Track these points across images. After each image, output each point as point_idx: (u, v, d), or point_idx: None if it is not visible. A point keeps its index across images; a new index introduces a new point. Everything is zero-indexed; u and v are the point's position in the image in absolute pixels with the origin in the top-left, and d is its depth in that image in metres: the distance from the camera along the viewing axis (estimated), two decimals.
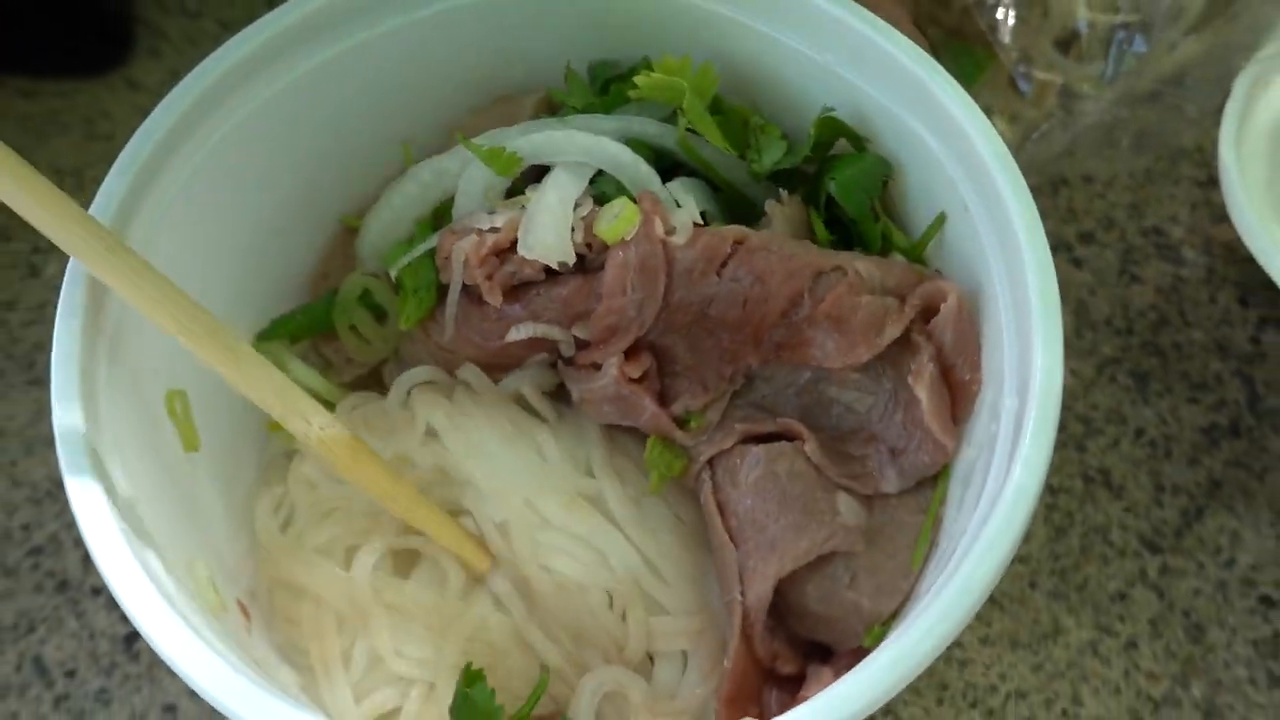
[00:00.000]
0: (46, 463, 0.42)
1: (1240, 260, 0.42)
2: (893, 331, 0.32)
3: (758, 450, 0.33)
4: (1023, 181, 0.30)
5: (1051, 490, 0.41)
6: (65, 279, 0.30)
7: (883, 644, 0.26)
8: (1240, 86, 0.40)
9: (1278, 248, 0.38)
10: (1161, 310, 0.44)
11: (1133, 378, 0.43)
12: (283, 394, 0.30)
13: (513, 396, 0.36)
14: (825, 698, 0.25)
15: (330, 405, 0.35)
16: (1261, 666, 0.39)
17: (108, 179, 0.30)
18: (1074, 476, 0.41)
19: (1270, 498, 0.41)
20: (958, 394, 0.32)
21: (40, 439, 0.42)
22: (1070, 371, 0.43)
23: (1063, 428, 0.42)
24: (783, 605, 0.32)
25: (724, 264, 0.32)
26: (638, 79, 0.33)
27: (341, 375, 0.36)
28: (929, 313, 0.32)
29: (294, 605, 0.33)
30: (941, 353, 0.32)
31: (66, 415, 0.29)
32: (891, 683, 0.26)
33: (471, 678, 0.31)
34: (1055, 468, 0.42)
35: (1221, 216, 0.39)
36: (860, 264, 0.33)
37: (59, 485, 0.41)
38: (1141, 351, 0.43)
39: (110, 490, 0.29)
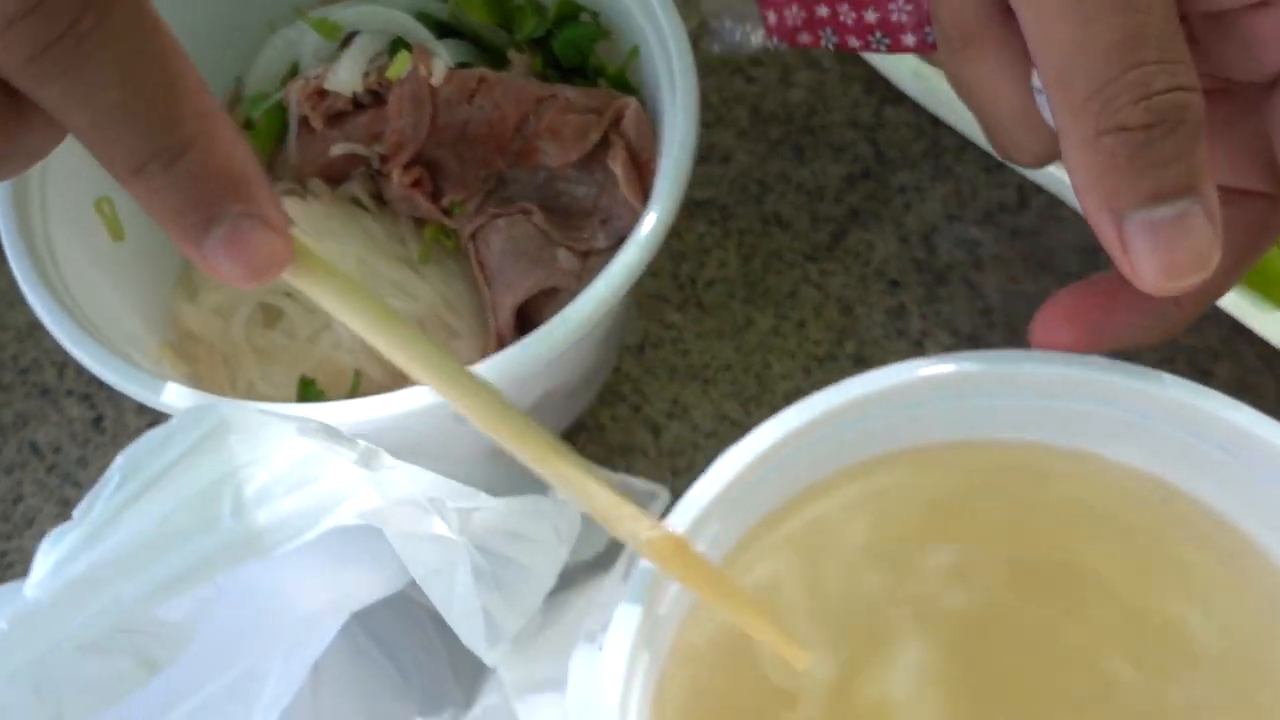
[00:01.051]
0: (24, 312, 0.50)
1: (862, 63, 0.51)
2: (594, 136, 0.41)
3: (501, 222, 0.41)
4: (680, 25, 0.41)
5: (740, 231, 0.51)
6: None
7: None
8: None
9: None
10: (811, 104, 0.53)
11: (793, 150, 0.52)
12: (612, 506, 0.29)
13: (347, 197, 0.44)
14: (520, 344, 0.36)
15: None
16: (892, 326, 0.49)
17: None
18: (754, 220, 0.51)
19: (892, 216, 0.51)
20: (643, 172, 0.42)
21: (19, 296, 0.50)
22: (749, 152, 0.52)
23: (745, 189, 0.52)
24: (529, 324, 0.41)
25: (472, 95, 0.41)
26: None
27: None
28: (619, 120, 0.41)
29: (195, 348, 0.42)
30: (629, 144, 0.41)
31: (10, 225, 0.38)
32: (568, 332, 0.36)
33: (305, 385, 0.40)
34: (741, 216, 0.51)
35: None
36: (570, 92, 0.42)
37: (35, 327, 0.50)
38: (799, 133, 0.53)
39: (49, 275, 0.37)
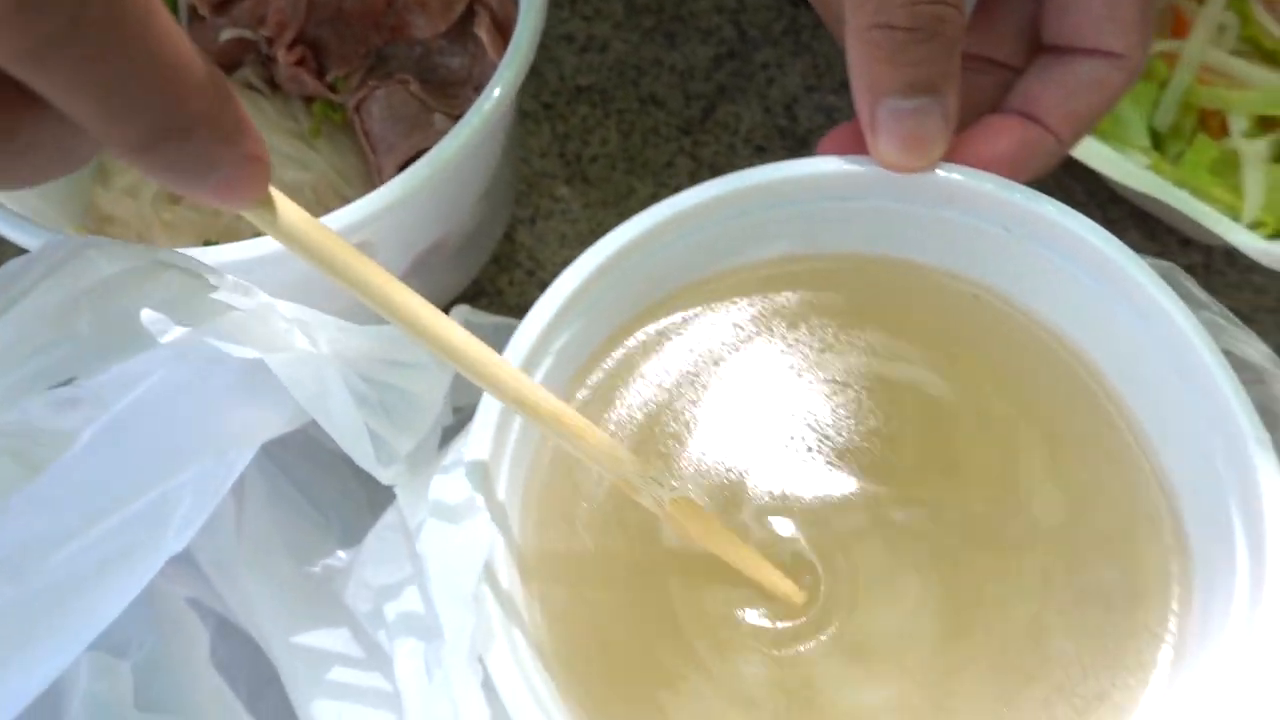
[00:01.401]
0: None
1: None
2: (459, 7, 0.41)
3: (381, 92, 0.42)
4: None
5: (620, 111, 0.51)
6: None
7: None
8: None
9: None
10: None
11: (664, 36, 0.53)
12: (632, 470, 0.29)
13: (242, 82, 0.44)
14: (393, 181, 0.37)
15: None
16: None
17: None
18: (633, 101, 0.51)
19: (756, 90, 0.52)
20: (505, 36, 0.41)
21: None
22: (625, 40, 0.53)
23: (623, 73, 0.53)
24: None
25: None
26: None
27: None
28: None
29: (108, 228, 0.42)
30: (493, 13, 0.41)
31: None
32: (433, 169, 0.37)
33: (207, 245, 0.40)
34: (619, 99, 0.52)
35: None
36: None
37: None
38: (670, 20, 0.53)
39: None
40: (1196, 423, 0.30)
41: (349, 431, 0.34)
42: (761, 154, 0.51)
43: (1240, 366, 0.31)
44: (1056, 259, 0.31)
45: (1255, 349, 0.32)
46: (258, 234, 0.42)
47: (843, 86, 0.52)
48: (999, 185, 0.31)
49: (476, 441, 0.31)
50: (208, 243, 0.41)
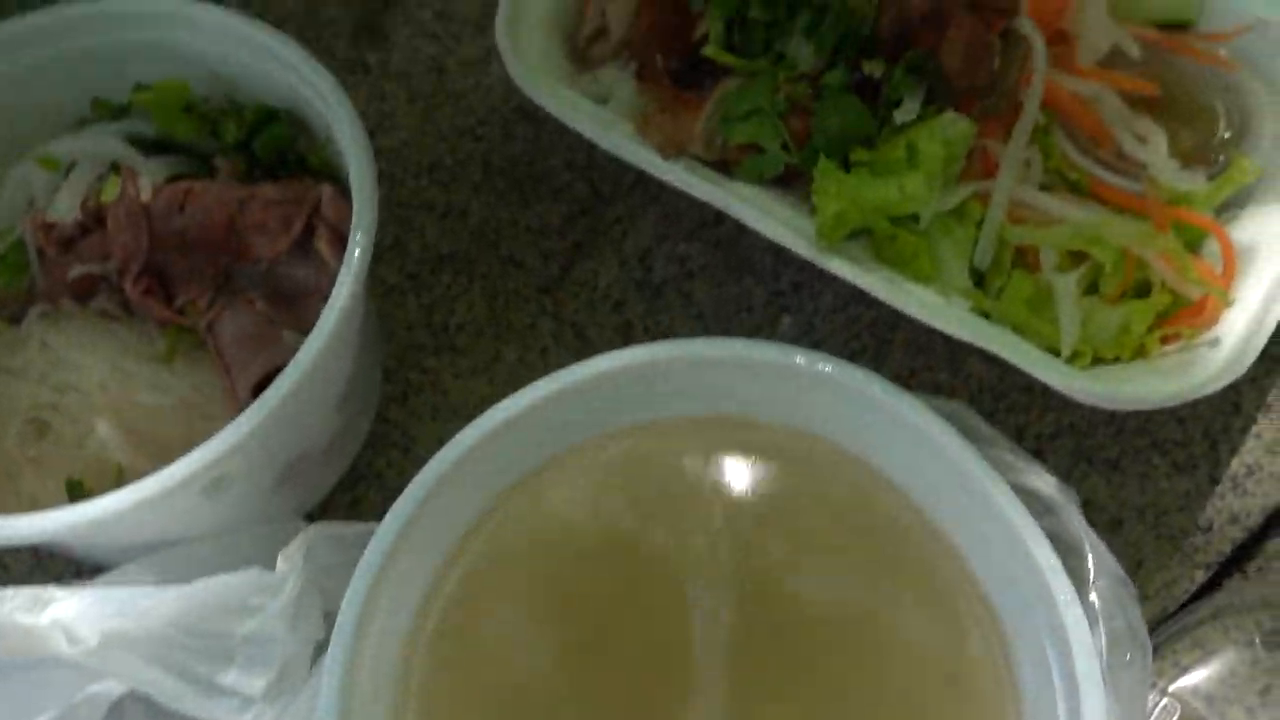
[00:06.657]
0: None
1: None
2: (298, 225, 0.40)
3: (227, 312, 0.40)
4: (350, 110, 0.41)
5: (482, 276, 0.50)
6: None
7: None
8: None
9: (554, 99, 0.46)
10: (528, 150, 0.52)
11: (517, 192, 0.52)
12: None
13: (97, 311, 0.42)
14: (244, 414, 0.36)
15: None
16: (620, 343, 0.49)
17: None
18: (492, 263, 0.50)
19: (613, 245, 0.50)
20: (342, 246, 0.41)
21: None
22: (484, 203, 0.52)
23: (483, 236, 0.51)
24: None
25: (183, 206, 0.40)
26: (134, 96, 0.43)
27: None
28: (318, 206, 0.40)
29: None
30: (330, 225, 0.40)
31: None
32: (282, 395, 0.37)
33: (72, 486, 0.39)
34: (481, 262, 0.50)
35: None
36: (269, 190, 0.41)
37: None
38: (517, 180, 0.52)
39: None
40: (1005, 557, 0.31)
41: (184, 698, 0.34)
42: (620, 309, 0.50)
43: (1031, 500, 0.32)
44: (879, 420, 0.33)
45: (1044, 481, 0.32)
46: (119, 464, 0.41)
47: (692, 235, 0.52)
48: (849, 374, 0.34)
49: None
50: (74, 486, 0.39)
